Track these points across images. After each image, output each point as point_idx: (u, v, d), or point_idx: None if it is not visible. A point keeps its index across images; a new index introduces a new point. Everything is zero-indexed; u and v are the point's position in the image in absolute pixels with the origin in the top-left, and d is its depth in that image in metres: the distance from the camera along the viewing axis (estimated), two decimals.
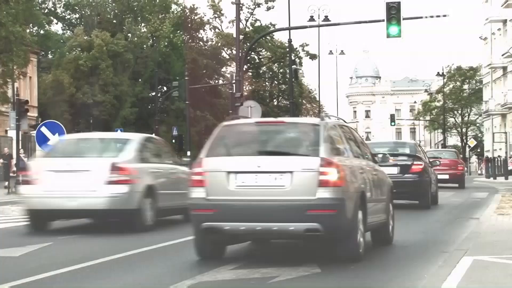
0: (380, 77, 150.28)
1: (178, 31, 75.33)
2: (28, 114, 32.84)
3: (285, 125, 9.21)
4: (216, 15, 78.69)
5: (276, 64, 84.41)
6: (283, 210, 8.12)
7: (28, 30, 38.53)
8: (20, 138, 31.83)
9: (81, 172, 11.69)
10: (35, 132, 20.03)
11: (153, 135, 19.91)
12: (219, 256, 8.79)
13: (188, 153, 28.71)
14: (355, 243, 8.50)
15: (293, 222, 8.10)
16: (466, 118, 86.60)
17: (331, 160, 8.27)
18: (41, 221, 12.21)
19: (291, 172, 8.17)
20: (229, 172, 8.29)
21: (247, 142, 8.96)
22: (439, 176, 22.24)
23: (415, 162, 17.86)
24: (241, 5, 57.80)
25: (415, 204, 17.80)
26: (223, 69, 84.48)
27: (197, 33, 79.57)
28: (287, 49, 60.07)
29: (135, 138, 13.35)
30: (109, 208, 11.61)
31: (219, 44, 79.47)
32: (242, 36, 69.01)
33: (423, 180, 17.62)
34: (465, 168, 43.47)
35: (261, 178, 8.25)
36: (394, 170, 16.71)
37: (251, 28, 77.34)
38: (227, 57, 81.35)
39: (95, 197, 11.59)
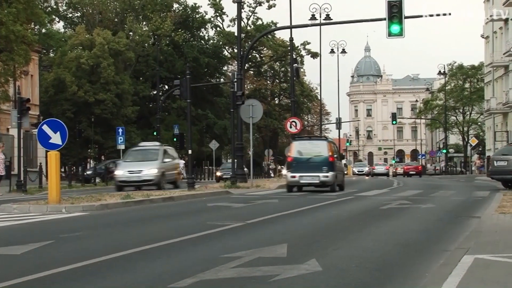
0: (381, 76, 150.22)
1: (180, 30, 75.30)
2: (30, 112, 32.88)
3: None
4: (217, 14, 78.70)
5: (277, 62, 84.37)
6: None
7: (29, 29, 38.55)
8: (21, 137, 31.85)
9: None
10: (36, 130, 20.00)
11: None
12: None
13: (190, 151, 28.63)
14: None
15: None
16: (467, 117, 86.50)
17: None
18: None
19: None
20: None
21: None
22: None
23: None
24: (242, 4, 57.81)
25: (416, 203, 18.55)
26: (225, 67, 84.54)
27: (199, 32, 79.55)
28: (289, 48, 60.11)
29: None
30: None
31: (221, 42, 79.44)
32: (244, 35, 69.13)
33: None
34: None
35: None
36: None
37: (252, 26, 77.30)
38: (229, 55, 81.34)
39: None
